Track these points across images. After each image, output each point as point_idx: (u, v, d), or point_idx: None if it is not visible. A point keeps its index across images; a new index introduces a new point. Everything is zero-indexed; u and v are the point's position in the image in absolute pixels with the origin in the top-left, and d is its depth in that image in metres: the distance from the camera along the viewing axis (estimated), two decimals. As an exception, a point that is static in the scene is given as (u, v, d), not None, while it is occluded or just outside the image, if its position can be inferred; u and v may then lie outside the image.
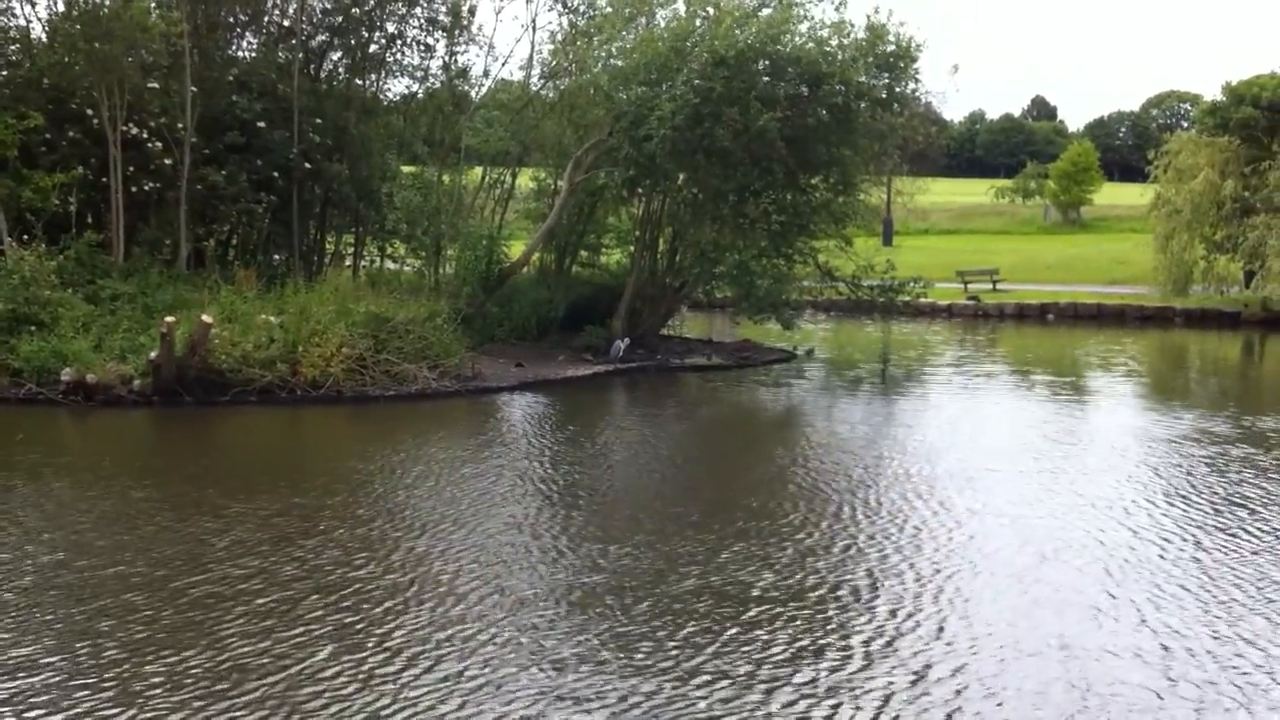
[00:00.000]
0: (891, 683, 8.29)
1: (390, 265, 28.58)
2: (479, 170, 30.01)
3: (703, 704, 7.87)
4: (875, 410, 20.92)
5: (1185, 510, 13.20)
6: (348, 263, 27.30)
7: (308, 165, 24.16)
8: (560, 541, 11.59)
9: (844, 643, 9.04)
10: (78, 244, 21.30)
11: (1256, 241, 34.62)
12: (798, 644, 8.97)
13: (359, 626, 9.10)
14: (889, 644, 9.02)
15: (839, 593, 10.21)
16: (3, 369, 18.73)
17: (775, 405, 21.80)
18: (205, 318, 18.52)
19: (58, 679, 8.07)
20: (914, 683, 8.31)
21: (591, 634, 9.04)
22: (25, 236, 20.82)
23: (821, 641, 9.06)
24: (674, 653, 8.72)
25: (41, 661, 8.37)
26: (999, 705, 7.97)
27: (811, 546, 11.56)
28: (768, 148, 23.28)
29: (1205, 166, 36.83)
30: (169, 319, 18.16)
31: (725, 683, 8.22)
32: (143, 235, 22.78)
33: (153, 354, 18.30)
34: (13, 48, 24.27)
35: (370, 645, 8.74)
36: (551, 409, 20.00)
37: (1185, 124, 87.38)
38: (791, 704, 7.92)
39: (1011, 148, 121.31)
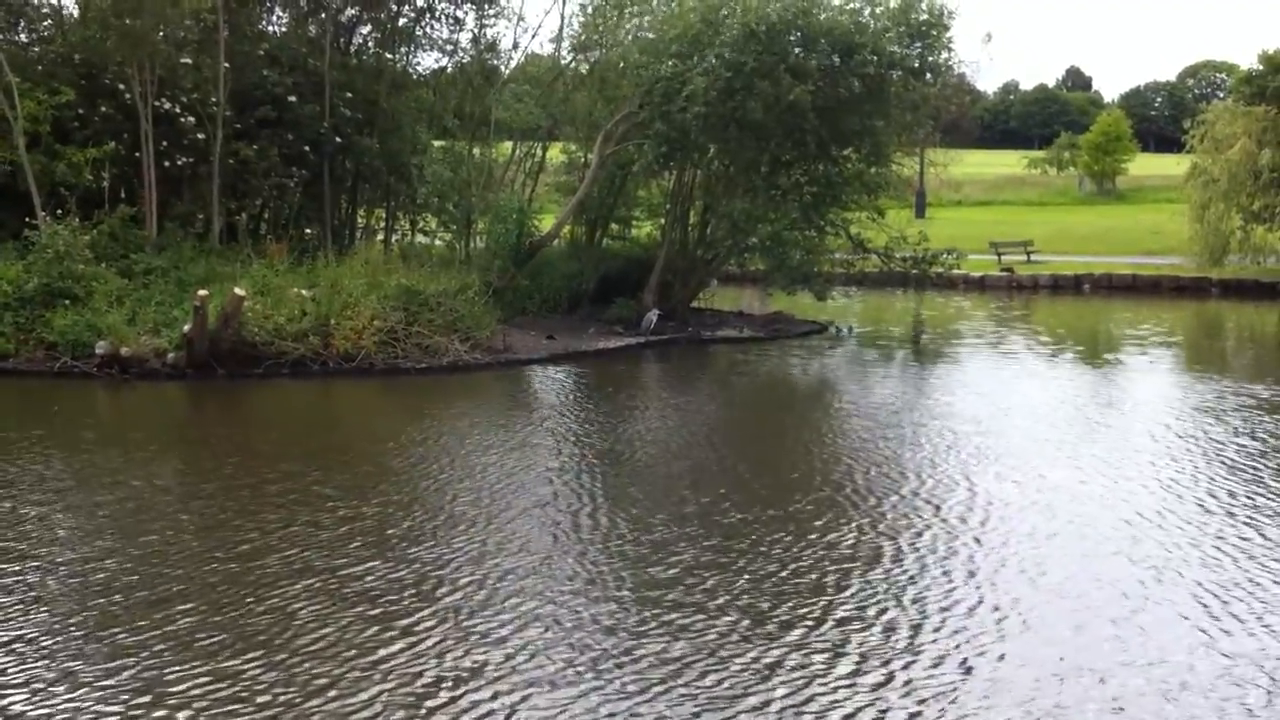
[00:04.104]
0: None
1: (421, 239, 28.60)
2: (509, 144, 29.96)
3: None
4: (918, 381, 20.75)
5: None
6: (379, 236, 27.34)
7: (338, 139, 24.18)
8: (688, 527, 11.09)
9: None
10: (111, 219, 21.39)
11: (1294, 211, 34.22)
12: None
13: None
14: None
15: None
16: (38, 342, 18.90)
17: (812, 376, 21.66)
18: (238, 291, 18.58)
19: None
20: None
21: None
22: (59, 211, 20.93)
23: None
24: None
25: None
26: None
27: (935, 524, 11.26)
28: (800, 119, 23.10)
29: (1242, 136, 36.34)
30: (202, 292, 18.22)
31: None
32: (175, 210, 22.86)
33: (186, 327, 18.38)
34: (45, 23, 24.39)
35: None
36: (586, 381, 19.98)
37: (1221, 94, 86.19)
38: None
39: (1046, 118, 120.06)
